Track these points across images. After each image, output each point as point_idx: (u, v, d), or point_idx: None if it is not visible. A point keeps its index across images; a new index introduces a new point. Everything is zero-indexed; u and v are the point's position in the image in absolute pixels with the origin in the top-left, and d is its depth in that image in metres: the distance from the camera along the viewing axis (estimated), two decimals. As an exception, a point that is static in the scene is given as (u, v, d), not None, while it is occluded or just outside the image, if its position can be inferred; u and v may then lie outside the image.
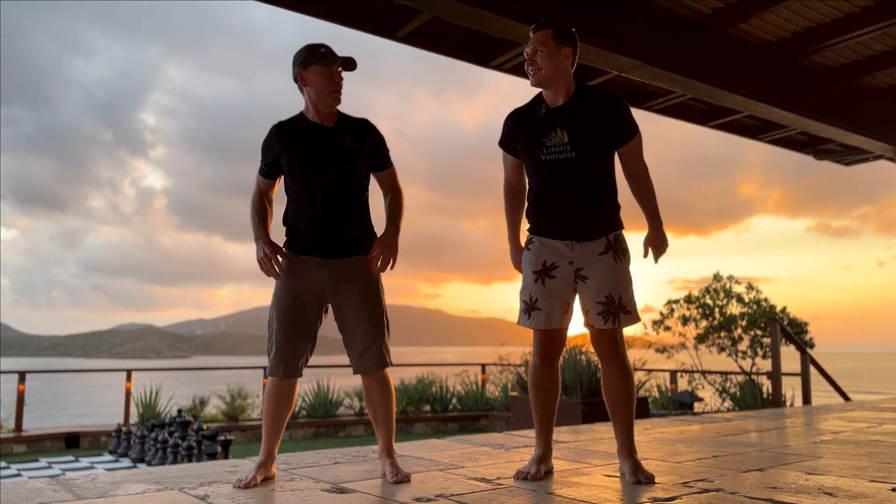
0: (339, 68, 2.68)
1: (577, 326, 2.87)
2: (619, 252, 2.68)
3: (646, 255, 2.80)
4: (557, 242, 2.70)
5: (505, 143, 2.84)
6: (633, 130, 2.71)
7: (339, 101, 2.72)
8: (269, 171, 2.78)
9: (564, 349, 4.27)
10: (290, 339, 2.67)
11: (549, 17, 2.74)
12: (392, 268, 2.77)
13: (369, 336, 2.68)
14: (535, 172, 2.75)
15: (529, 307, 2.74)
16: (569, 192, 2.68)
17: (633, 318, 2.68)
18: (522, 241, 2.86)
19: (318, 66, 2.65)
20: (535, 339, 2.79)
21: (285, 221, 2.80)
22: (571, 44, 2.68)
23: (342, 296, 2.71)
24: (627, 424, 2.71)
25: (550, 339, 2.77)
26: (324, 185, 2.68)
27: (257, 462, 2.68)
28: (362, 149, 2.74)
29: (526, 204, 2.85)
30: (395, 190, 2.86)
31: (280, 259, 2.69)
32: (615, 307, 2.63)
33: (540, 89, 2.75)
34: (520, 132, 2.77)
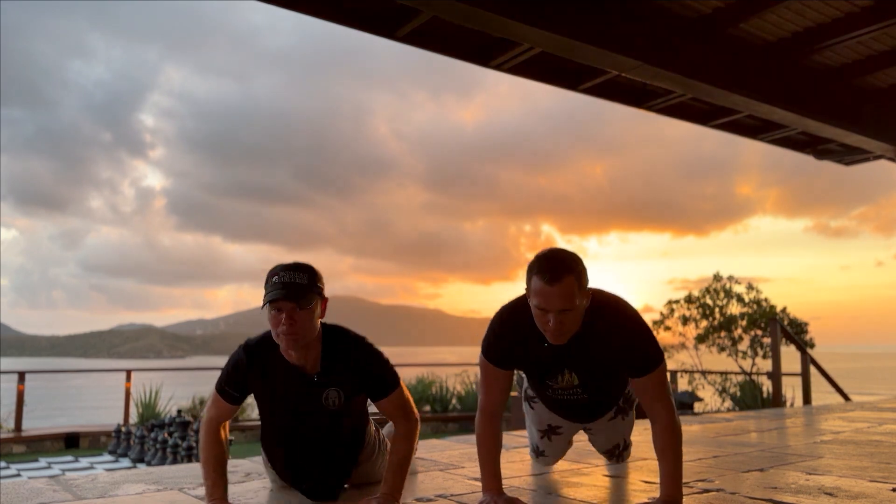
0: (288, 304, 2.08)
1: None
2: (626, 407, 2.66)
3: None
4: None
5: (499, 362, 2.23)
6: (653, 365, 2.16)
7: (293, 344, 2.13)
8: (235, 398, 2.27)
9: None
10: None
11: (557, 261, 2.03)
12: None
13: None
14: (538, 398, 2.58)
15: (538, 453, 2.87)
16: (581, 412, 2.55)
17: (630, 448, 2.96)
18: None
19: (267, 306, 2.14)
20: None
21: (262, 443, 2.45)
22: (587, 281, 2.09)
23: None
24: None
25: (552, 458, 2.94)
26: (303, 437, 2.31)
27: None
28: (350, 401, 2.29)
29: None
30: (400, 425, 2.30)
31: None
32: (620, 450, 2.87)
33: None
34: (516, 364, 2.30)
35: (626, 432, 2.79)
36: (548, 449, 2.79)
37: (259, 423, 2.49)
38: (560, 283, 1.97)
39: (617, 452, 2.85)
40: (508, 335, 2.21)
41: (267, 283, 2.13)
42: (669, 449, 2.17)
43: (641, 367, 2.15)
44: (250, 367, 2.23)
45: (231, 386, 2.25)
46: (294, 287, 2.09)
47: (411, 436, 2.28)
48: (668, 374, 10.69)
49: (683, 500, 2.18)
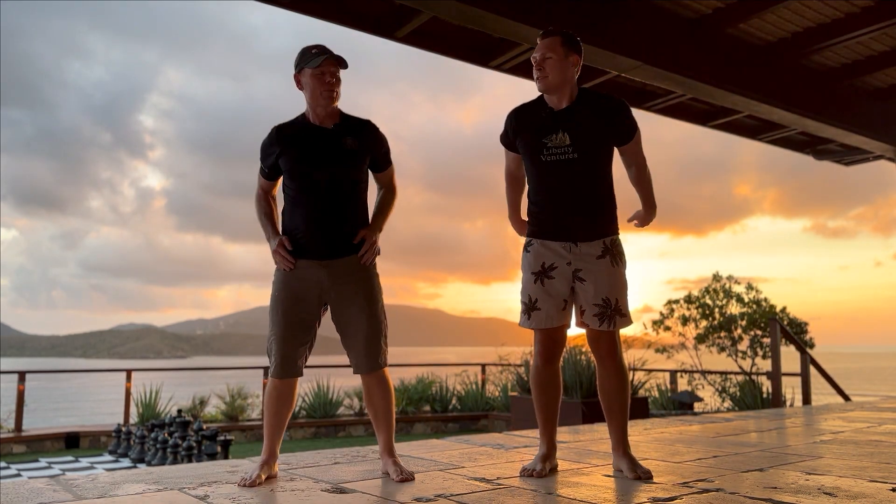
0: (331, 67, 2.65)
1: (576, 326, 2.90)
2: (616, 256, 2.75)
3: (630, 221, 2.93)
4: (556, 244, 2.75)
5: (506, 140, 2.89)
6: (633, 130, 2.77)
7: (333, 101, 2.69)
8: (269, 172, 2.79)
9: (564, 349, 4.27)
10: (290, 340, 2.68)
11: (556, 25, 2.77)
12: (369, 262, 2.76)
13: (369, 336, 2.69)
14: (535, 173, 2.79)
15: (529, 307, 2.79)
16: (567, 193, 2.72)
17: (627, 320, 2.76)
18: (523, 213, 2.95)
19: (309, 69, 2.66)
20: (536, 340, 2.83)
21: (283, 223, 2.80)
22: (578, 52, 2.71)
23: (341, 296, 2.71)
24: (622, 423, 2.80)
25: (551, 338, 2.81)
26: (322, 184, 2.68)
27: (260, 461, 2.69)
28: (363, 150, 2.74)
29: (526, 203, 2.88)
30: (389, 186, 2.90)
31: (287, 248, 2.69)
32: (611, 310, 2.70)
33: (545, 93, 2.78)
34: (521, 130, 2.80)
35: (617, 288, 2.72)
36: (540, 298, 2.74)
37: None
38: (549, 38, 2.68)
39: (609, 312, 2.70)
40: (517, 113, 2.83)
41: (304, 54, 2.65)
42: (644, 181, 2.84)
43: (625, 131, 2.74)
44: (278, 133, 2.72)
45: (265, 159, 2.76)
46: (337, 57, 2.66)
47: (393, 196, 2.89)
48: (668, 374, 10.60)
49: (683, 499, 2.18)
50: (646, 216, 2.91)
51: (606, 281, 2.70)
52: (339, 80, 2.69)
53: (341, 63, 2.67)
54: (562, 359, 4.22)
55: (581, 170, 2.70)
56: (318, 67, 2.63)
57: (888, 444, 3.83)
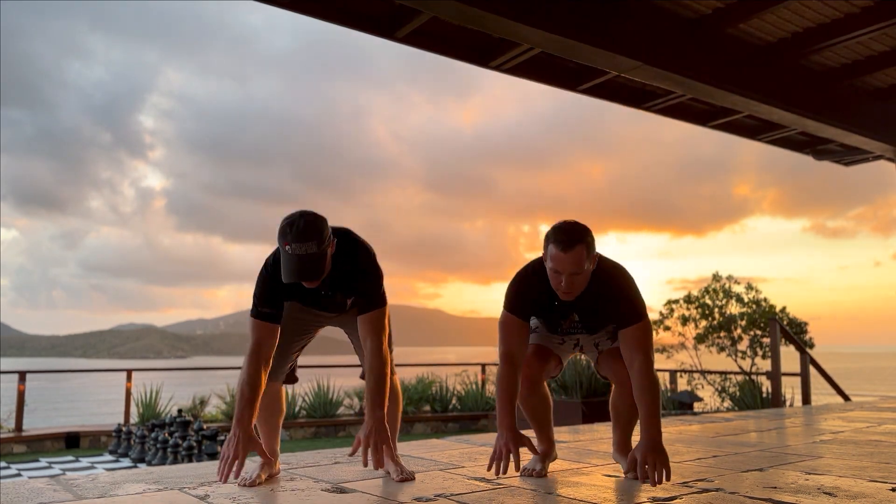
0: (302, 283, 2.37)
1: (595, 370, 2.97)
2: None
3: (638, 473, 2.44)
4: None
5: (520, 311, 2.61)
6: (634, 320, 2.55)
7: (316, 284, 2.41)
8: (271, 315, 2.49)
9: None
10: (281, 354, 2.63)
11: (570, 232, 2.41)
12: (384, 455, 2.41)
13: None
14: (542, 326, 2.80)
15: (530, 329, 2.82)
16: (580, 334, 2.78)
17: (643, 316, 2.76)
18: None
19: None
20: (526, 364, 2.72)
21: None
22: (594, 249, 2.48)
23: (347, 321, 2.73)
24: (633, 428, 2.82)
25: (541, 359, 2.77)
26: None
27: (260, 461, 2.68)
28: (352, 300, 2.62)
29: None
30: (369, 337, 2.50)
31: (242, 461, 2.36)
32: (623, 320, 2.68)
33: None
34: (533, 312, 2.67)
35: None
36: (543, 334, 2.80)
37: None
38: (572, 251, 2.37)
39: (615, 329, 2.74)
40: (526, 292, 2.60)
41: (280, 244, 2.32)
42: (646, 391, 2.48)
43: (624, 321, 2.54)
44: (275, 278, 2.43)
45: (264, 303, 2.47)
46: (309, 264, 2.29)
47: (380, 353, 2.48)
48: (668, 374, 10.57)
49: (683, 499, 2.18)
50: (649, 449, 2.43)
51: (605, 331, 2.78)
52: (313, 282, 2.40)
53: (312, 277, 2.33)
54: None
55: (592, 329, 2.73)
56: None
57: (888, 444, 3.83)
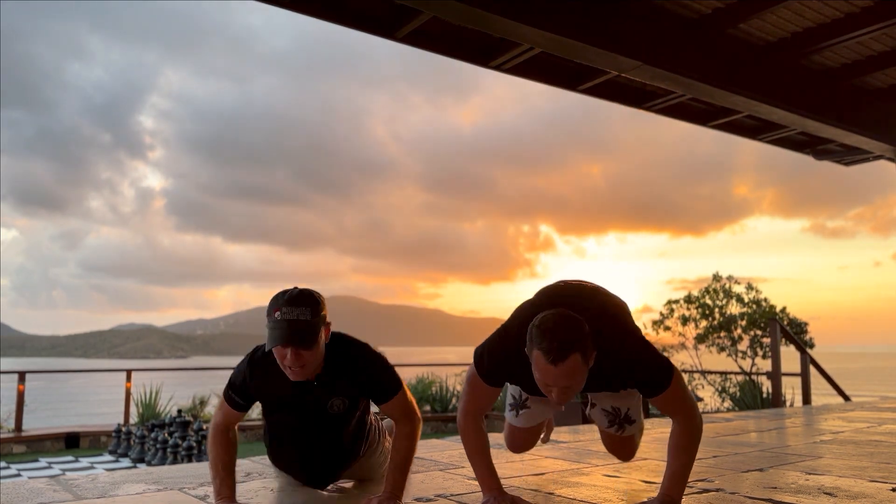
0: (284, 351, 2.09)
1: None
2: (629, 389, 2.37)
3: None
4: None
5: (495, 380, 2.23)
6: (663, 387, 2.13)
7: (300, 377, 2.16)
8: (241, 406, 2.31)
9: None
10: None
11: (562, 337, 1.92)
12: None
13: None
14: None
15: (518, 404, 2.56)
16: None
17: (638, 426, 2.57)
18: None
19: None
20: (508, 433, 2.62)
21: (266, 435, 2.47)
22: (593, 348, 2.00)
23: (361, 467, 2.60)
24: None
25: (529, 433, 2.64)
26: (308, 440, 2.34)
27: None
28: (353, 405, 2.36)
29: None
30: (401, 422, 2.32)
31: None
32: (621, 418, 2.52)
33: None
34: (514, 382, 2.36)
35: (631, 403, 2.51)
36: (533, 403, 2.52)
37: (260, 422, 2.50)
38: (564, 363, 1.90)
39: (618, 421, 2.50)
40: (506, 367, 2.19)
41: (269, 313, 2.11)
42: (681, 449, 2.18)
43: (649, 390, 2.15)
44: (253, 378, 2.25)
45: (236, 393, 2.29)
46: (299, 328, 2.07)
47: (413, 436, 2.31)
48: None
49: (683, 500, 2.18)
50: None
51: (615, 396, 2.49)
52: (303, 356, 2.10)
53: (301, 342, 2.08)
54: None
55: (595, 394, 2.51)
56: (273, 349, 2.12)
57: (888, 444, 3.83)
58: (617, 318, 2.17)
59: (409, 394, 2.36)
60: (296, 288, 2.17)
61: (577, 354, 1.91)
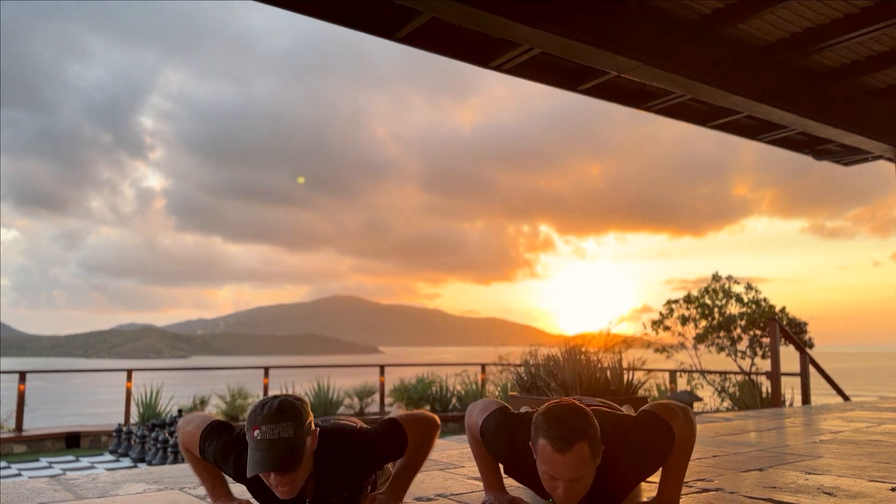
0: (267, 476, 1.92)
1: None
2: None
3: None
4: None
5: (497, 457, 2.22)
6: (665, 458, 2.12)
7: (293, 494, 1.96)
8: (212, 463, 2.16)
9: (563, 348, 4.28)
10: None
11: (569, 425, 1.84)
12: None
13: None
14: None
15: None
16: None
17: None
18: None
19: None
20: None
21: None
22: (601, 443, 1.92)
23: None
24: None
25: None
26: None
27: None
28: (357, 491, 2.16)
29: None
30: (415, 444, 2.19)
31: None
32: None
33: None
34: (521, 480, 2.29)
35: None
36: None
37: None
38: (571, 452, 1.81)
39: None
40: (517, 467, 2.12)
41: (248, 430, 1.91)
42: (676, 458, 2.14)
43: (659, 465, 2.15)
44: (239, 477, 2.07)
45: (218, 465, 2.12)
46: (281, 450, 1.87)
47: (421, 455, 2.22)
48: (668, 374, 10.52)
49: (682, 500, 2.18)
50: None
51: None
52: (289, 476, 1.91)
53: (285, 468, 1.88)
54: (560, 357, 4.20)
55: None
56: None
57: (887, 443, 3.83)
58: (619, 427, 2.09)
59: (410, 416, 2.21)
60: (275, 399, 1.95)
61: (584, 443, 1.82)
